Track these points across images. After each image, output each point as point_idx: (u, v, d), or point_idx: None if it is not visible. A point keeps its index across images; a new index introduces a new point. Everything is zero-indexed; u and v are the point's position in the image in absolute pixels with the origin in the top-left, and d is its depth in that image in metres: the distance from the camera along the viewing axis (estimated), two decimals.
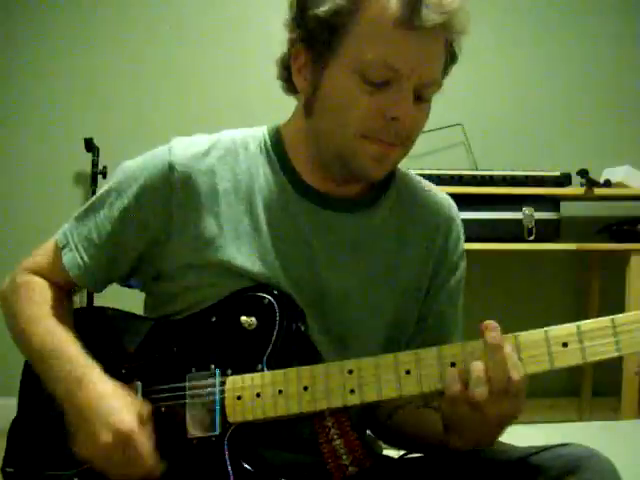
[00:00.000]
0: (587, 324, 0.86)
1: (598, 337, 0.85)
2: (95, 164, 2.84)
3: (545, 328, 0.88)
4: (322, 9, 0.93)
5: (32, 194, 2.93)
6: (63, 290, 1.10)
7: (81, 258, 1.07)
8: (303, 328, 1.00)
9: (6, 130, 2.95)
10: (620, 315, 0.85)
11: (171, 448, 0.96)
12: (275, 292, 0.99)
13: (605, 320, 0.85)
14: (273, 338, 0.96)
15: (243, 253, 1.01)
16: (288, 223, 1.03)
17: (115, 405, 0.92)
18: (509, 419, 0.89)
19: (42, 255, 1.11)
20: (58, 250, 1.08)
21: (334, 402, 0.92)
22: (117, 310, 1.12)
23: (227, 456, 0.93)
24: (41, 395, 1.07)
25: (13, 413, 1.10)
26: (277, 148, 1.06)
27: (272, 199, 1.03)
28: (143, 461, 0.91)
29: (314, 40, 0.96)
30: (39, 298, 1.07)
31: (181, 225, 1.01)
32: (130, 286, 1.21)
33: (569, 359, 0.86)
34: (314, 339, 1.02)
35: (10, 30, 2.95)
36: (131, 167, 1.06)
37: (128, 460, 0.91)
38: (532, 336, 0.88)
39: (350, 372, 0.91)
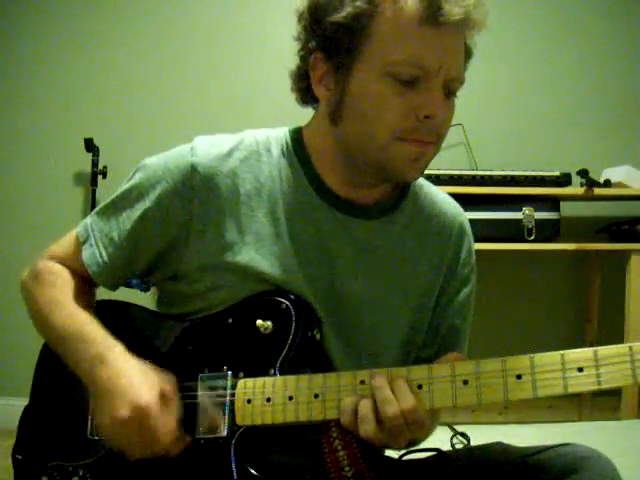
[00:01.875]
0: (604, 350, 0.83)
1: (615, 364, 0.81)
2: (95, 164, 2.84)
3: (561, 351, 0.84)
4: (341, 14, 0.92)
5: (32, 194, 2.93)
6: (84, 279, 1.10)
7: (100, 256, 1.06)
8: (318, 336, 1.00)
9: (6, 130, 2.96)
10: (638, 343, 0.82)
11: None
12: (293, 297, 0.98)
13: (623, 347, 0.82)
14: (287, 344, 0.96)
15: (263, 256, 1.00)
16: (309, 228, 1.02)
17: (135, 381, 0.92)
18: (414, 442, 0.93)
19: (63, 246, 1.12)
20: (79, 244, 1.08)
21: None
22: (133, 305, 1.12)
23: (233, 459, 0.92)
24: (53, 386, 1.09)
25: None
26: (299, 152, 1.05)
27: (294, 203, 1.02)
28: (159, 437, 0.90)
29: (335, 47, 0.95)
30: (60, 282, 1.07)
31: (201, 227, 1.01)
32: (130, 285, 1.21)
33: (584, 385, 0.82)
34: (329, 345, 1.01)
35: (10, 30, 2.95)
36: (153, 166, 1.04)
37: (145, 436, 0.90)
38: (547, 358, 0.84)
39: (362, 382, 0.90)
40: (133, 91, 2.97)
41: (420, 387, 0.88)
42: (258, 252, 1.00)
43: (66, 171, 2.95)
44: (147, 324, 1.09)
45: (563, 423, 2.57)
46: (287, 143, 1.05)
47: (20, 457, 1.08)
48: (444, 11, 0.89)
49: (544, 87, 3.05)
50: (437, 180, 2.52)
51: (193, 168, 1.00)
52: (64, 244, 1.12)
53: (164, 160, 1.04)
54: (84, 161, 2.87)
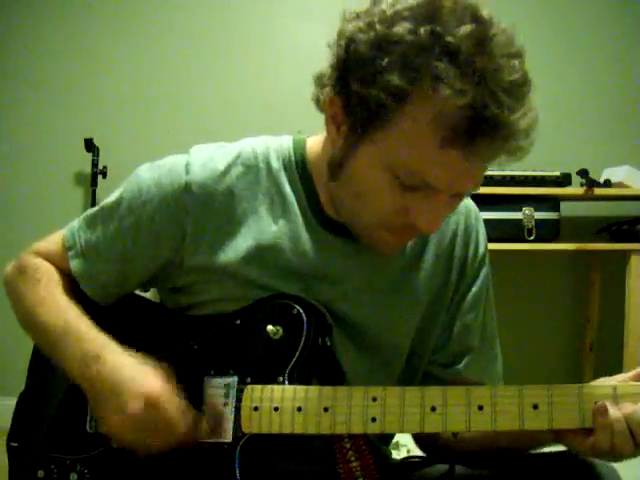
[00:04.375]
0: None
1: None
2: (95, 164, 2.84)
3: (578, 384, 0.82)
4: (368, 91, 0.81)
5: (32, 194, 2.93)
6: (69, 277, 1.05)
7: (90, 268, 1.02)
8: (329, 343, 0.96)
9: (6, 130, 2.95)
10: None
11: (182, 450, 0.93)
12: (304, 302, 0.95)
13: None
14: (298, 350, 0.92)
15: (266, 272, 0.96)
16: (308, 247, 0.98)
17: (138, 371, 0.89)
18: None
19: (48, 245, 1.08)
20: (65, 249, 1.05)
21: (354, 428, 0.87)
22: (140, 297, 1.09)
23: (237, 464, 0.90)
24: (50, 374, 1.04)
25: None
26: (301, 169, 0.99)
27: (293, 222, 0.98)
28: (178, 422, 0.88)
29: (352, 110, 0.85)
30: (46, 280, 1.03)
31: (196, 245, 0.97)
32: None
33: None
34: (339, 351, 0.98)
35: (9, 30, 2.95)
36: (146, 180, 0.98)
37: (163, 424, 0.87)
38: (566, 390, 0.83)
39: (374, 400, 0.87)
40: (133, 91, 2.96)
41: (434, 409, 0.85)
42: (260, 268, 0.96)
43: (66, 171, 2.95)
44: (150, 317, 1.06)
45: None
46: (290, 156, 1.00)
47: (15, 445, 1.04)
48: (475, 146, 0.79)
49: (544, 87, 3.04)
50: None
51: (187, 187, 0.96)
52: (50, 243, 1.08)
53: (158, 174, 0.98)
54: (84, 161, 2.87)
